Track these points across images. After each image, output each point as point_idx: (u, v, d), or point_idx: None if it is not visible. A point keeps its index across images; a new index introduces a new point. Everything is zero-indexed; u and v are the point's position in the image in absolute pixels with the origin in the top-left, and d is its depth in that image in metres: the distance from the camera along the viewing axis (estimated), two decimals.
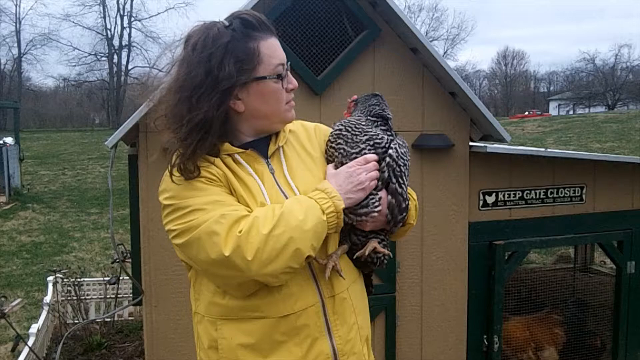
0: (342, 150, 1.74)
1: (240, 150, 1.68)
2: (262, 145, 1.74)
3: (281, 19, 3.40)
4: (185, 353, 3.33)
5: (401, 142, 1.79)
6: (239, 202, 1.61)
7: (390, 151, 1.74)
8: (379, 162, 1.73)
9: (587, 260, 7.49)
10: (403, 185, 1.75)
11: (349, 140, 1.74)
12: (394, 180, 1.73)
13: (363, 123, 1.78)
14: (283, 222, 1.51)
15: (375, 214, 1.69)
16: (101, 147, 24.09)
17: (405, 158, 1.77)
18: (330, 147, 1.78)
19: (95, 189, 16.37)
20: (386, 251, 1.79)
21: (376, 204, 1.70)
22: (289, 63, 1.72)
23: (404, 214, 1.76)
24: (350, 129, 1.76)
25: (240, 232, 1.49)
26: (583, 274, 6.93)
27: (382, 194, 1.73)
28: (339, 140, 1.76)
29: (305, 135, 1.86)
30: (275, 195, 1.65)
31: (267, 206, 1.60)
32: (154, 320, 3.28)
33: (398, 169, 1.73)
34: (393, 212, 1.73)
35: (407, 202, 1.77)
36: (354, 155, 1.72)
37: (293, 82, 1.72)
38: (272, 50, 1.65)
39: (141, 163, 3.26)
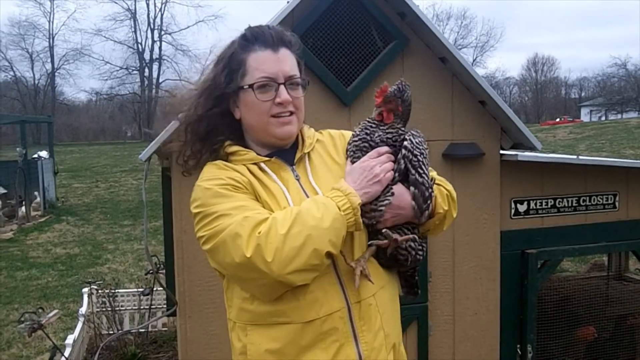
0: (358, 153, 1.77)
1: (266, 158, 1.75)
2: (289, 154, 1.80)
3: (310, 31, 3.45)
4: None
5: (415, 133, 1.80)
6: (263, 207, 1.65)
7: (405, 142, 1.74)
8: (395, 154, 1.74)
9: (621, 268, 7.37)
10: (424, 175, 1.73)
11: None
12: (412, 171, 1.72)
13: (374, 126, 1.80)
14: (300, 221, 1.55)
15: (383, 207, 1.68)
16: (133, 159, 24.45)
17: (421, 147, 1.77)
18: (348, 153, 1.81)
19: (128, 201, 16.63)
20: (409, 236, 1.74)
21: (382, 199, 1.68)
22: (294, 78, 1.75)
23: (429, 202, 1.74)
24: (362, 134, 1.79)
25: (259, 233, 1.53)
26: (617, 282, 6.82)
27: (398, 187, 1.72)
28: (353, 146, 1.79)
29: (332, 143, 1.90)
30: (300, 201, 1.68)
31: (286, 209, 1.63)
32: (188, 331, 3.33)
33: (415, 159, 1.72)
34: (418, 202, 1.72)
35: (430, 191, 1.75)
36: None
37: (282, 96, 1.72)
38: (260, 62, 1.72)
39: (174, 175, 3.32)
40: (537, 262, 3.81)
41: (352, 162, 1.76)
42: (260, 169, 1.74)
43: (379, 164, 1.71)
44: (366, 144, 1.76)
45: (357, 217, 1.62)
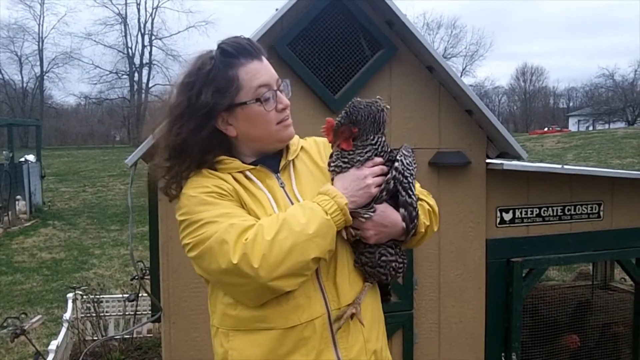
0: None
1: (251, 166, 1.75)
2: (273, 161, 1.80)
3: (299, 38, 3.45)
4: None
5: (406, 152, 1.80)
6: (249, 215, 1.66)
7: (396, 164, 1.74)
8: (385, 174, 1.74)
9: (606, 277, 7.42)
10: (412, 196, 1.76)
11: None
12: (402, 193, 1.73)
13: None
14: (286, 227, 1.56)
15: (363, 220, 1.70)
16: (121, 164, 24.34)
17: (411, 168, 1.78)
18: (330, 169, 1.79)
19: (116, 206, 16.54)
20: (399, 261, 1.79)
21: (364, 213, 1.69)
22: (285, 81, 1.77)
23: (415, 221, 1.77)
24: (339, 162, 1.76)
25: (246, 239, 1.55)
26: (602, 291, 6.87)
27: (383, 206, 1.73)
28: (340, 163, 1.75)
29: (316, 150, 1.93)
30: (285, 208, 1.69)
31: (272, 215, 1.65)
32: (172, 337, 3.31)
33: (405, 181, 1.74)
34: (406, 223, 1.74)
35: (416, 210, 1.77)
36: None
37: (283, 102, 1.74)
38: (253, 74, 1.69)
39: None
40: (522, 270, 3.83)
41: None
42: (246, 177, 1.74)
43: (372, 174, 1.72)
44: (348, 165, 1.74)
45: (346, 217, 1.64)
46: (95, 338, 5.46)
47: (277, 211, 1.68)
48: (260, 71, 1.71)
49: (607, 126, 48.85)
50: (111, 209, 15.98)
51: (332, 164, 1.77)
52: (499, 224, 3.85)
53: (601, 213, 4.09)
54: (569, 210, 4.00)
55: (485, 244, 3.81)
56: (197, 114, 1.68)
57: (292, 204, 1.71)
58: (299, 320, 1.64)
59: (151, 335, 5.90)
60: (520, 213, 3.90)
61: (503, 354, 3.86)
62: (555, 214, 3.97)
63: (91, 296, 5.61)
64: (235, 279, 1.56)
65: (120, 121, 54.81)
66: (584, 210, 4.04)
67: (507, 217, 3.87)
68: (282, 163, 1.80)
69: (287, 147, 1.84)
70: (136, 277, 4.78)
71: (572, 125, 58.83)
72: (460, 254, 3.79)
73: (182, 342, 3.32)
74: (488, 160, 3.84)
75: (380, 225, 1.72)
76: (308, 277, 1.63)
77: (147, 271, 4.87)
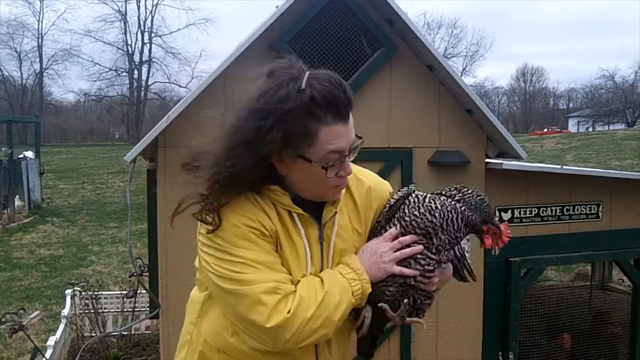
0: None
1: (299, 211, 1.64)
2: (318, 205, 1.69)
3: (299, 36, 3.46)
4: None
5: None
6: (281, 259, 1.63)
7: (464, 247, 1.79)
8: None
9: (605, 277, 7.42)
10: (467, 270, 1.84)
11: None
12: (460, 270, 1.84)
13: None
14: (324, 305, 1.57)
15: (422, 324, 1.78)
16: (121, 161, 24.34)
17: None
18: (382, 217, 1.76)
19: (115, 203, 16.54)
20: (415, 319, 1.78)
21: (389, 284, 1.69)
22: (357, 144, 1.61)
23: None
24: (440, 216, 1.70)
25: (288, 312, 1.53)
26: (601, 291, 6.87)
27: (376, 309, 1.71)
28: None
29: (358, 198, 1.79)
30: (317, 265, 1.68)
31: (309, 281, 1.62)
32: (170, 334, 3.31)
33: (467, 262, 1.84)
34: (403, 312, 1.71)
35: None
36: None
37: (347, 170, 1.61)
38: (332, 137, 1.53)
39: (160, 177, 3.31)
40: (520, 270, 3.83)
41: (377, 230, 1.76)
42: (291, 217, 1.65)
43: (391, 250, 1.69)
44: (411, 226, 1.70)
45: (362, 302, 1.67)
46: (94, 334, 5.46)
47: (310, 268, 1.66)
48: (341, 137, 1.55)
49: (606, 127, 48.84)
50: (110, 206, 15.97)
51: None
52: None
53: (600, 213, 4.09)
54: (567, 210, 4.01)
55: None
56: (259, 150, 1.52)
57: (322, 259, 1.69)
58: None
59: (149, 332, 5.90)
60: (519, 213, 3.90)
61: (500, 353, 3.86)
62: (554, 214, 3.97)
63: (89, 293, 5.61)
64: (257, 334, 1.57)
65: (120, 118, 54.78)
66: (582, 211, 4.04)
67: (506, 216, 3.87)
68: (329, 216, 1.70)
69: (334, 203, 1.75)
70: (135, 274, 4.78)
71: (572, 126, 58.82)
72: None
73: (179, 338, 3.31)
74: (487, 160, 3.84)
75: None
76: None
77: (146, 268, 4.87)
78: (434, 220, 1.68)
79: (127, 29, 50.75)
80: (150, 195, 3.71)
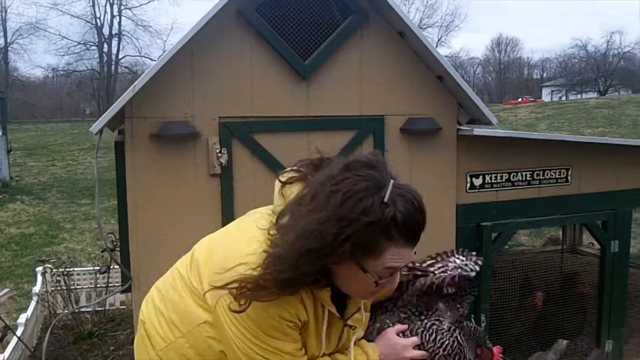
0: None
1: (333, 310, 1.65)
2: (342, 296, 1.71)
3: (267, 3, 3.39)
4: None
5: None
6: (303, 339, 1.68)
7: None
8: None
9: (575, 241, 7.57)
10: None
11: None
12: None
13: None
14: None
15: None
16: (92, 137, 23.97)
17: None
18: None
19: (86, 179, 16.31)
20: None
21: None
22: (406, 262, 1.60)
23: None
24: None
25: None
26: (571, 255, 7.01)
27: None
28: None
29: None
30: (332, 347, 1.74)
31: None
32: None
33: None
34: None
35: None
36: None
37: (394, 284, 1.61)
38: (396, 258, 1.52)
39: (128, 149, 3.25)
40: (491, 234, 3.88)
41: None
42: (322, 308, 1.65)
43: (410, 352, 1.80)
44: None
45: None
46: (67, 311, 5.42)
47: (324, 347, 1.72)
48: (402, 258, 1.54)
49: (579, 96, 49.34)
50: (82, 183, 15.76)
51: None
52: (469, 189, 3.88)
53: (569, 178, 4.14)
54: (537, 175, 4.04)
55: (456, 208, 3.84)
56: (329, 258, 1.49)
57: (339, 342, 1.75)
58: None
59: (124, 307, 5.88)
60: (490, 178, 3.93)
61: (472, 316, 3.91)
62: (524, 179, 4.01)
63: (61, 270, 5.55)
64: None
65: (90, 94, 53.77)
66: (552, 176, 4.08)
67: (477, 182, 3.90)
68: (352, 311, 1.74)
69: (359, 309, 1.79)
70: (107, 249, 4.73)
71: (546, 96, 59.27)
72: (430, 218, 3.75)
73: None
74: (459, 127, 3.85)
75: None
76: None
77: (118, 243, 4.82)
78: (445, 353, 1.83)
79: (96, 1, 49.63)
80: (119, 168, 3.66)
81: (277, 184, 1.66)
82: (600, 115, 23.77)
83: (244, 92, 3.37)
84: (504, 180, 3.95)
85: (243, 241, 1.63)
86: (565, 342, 4.23)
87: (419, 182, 3.72)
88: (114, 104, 3.11)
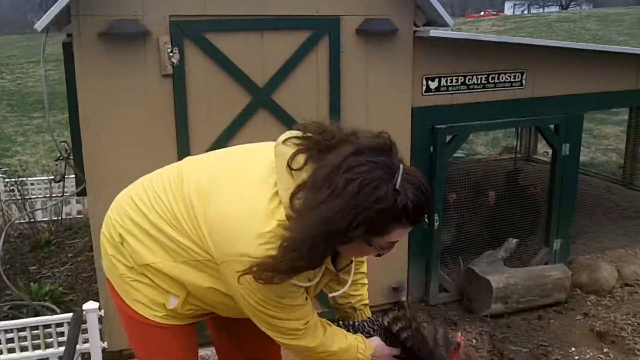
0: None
1: (332, 267, 1.82)
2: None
3: None
4: None
5: None
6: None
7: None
8: None
9: (530, 150, 7.77)
10: None
11: None
12: None
13: None
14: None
15: None
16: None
17: None
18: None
19: (38, 93, 15.81)
20: None
21: None
22: None
23: None
24: None
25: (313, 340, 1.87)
26: (525, 162, 7.22)
27: None
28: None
29: None
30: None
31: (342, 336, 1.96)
32: (98, 208, 3.26)
33: None
34: None
35: None
36: None
37: (390, 250, 1.75)
38: (400, 236, 1.66)
39: (76, 48, 3.13)
40: (445, 136, 3.92)
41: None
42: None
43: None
44: None
45: None
46: (23, 221, 5.38)
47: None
48: (403, 234, 1.69)
49: (541, 10, 49.19)
50: (33, 96, 15.28)
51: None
52: (425, 92, 3.89)
53: (523, 82, 4.17)
54: (492, 78, 4.06)
55: (411, 111, 3.86)
56: (341, 240, 1.59)
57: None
58: None
59: (81, 216, 5.86)
60: (446, 81, 3.93)
61: (426, 215, 4.02)
62: (479, 82, 4.02)
63: (14, 179, 5.46)
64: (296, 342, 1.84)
65: (37, 4, 51.34)
66: (507, 79, 4.11)
67: (433, 85, 3.90)
68: (344, 264, 1.91)
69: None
70: (60, 158, 4.65)
71: (508, 9, 58.98)
72: (386, 121, 3.79)
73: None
74: (415, 29, 3.81)
75: None
76: None
77: (71, 153, 4.74)
78: None
79: None
80: (67, 70, 3.55)
81: (280, 150, 1.71)
82: (561, 29, 23.89)
83: None
84: (459, 83, 3.97)
85: (256, 212, 1.66)
86: (515, 240, 4.39)
87: (374, 84, 3.72)
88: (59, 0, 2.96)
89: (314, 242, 1.55)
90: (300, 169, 1.64)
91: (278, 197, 1.65)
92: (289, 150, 1.68)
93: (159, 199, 1.81)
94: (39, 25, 3.04)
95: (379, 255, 1.73)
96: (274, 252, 1.58)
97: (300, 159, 1.65)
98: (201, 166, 1.88)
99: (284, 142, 1.72)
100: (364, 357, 1.97)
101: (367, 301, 2.25)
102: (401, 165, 1.60)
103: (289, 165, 1.65)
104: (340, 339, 1.94)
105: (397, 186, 1.55)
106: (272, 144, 1.78)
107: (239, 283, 1.66)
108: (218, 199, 1.71)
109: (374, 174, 1.54)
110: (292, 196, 1.61)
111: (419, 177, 1.63)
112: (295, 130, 1.74)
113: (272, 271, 1.58)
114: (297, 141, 1.69)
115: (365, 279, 2.22)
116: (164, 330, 1.92)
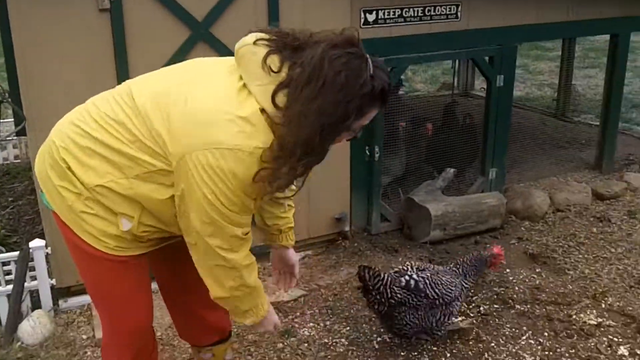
0: None
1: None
2: None
3: None
4: None
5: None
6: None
7: None
8: None
9: (467, 86, 7.96)
10: None
11: None
12: None
13: None
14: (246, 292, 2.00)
15: None
16: None
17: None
18: None
19: None
20: None
21: None
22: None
23: None
24: None
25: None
26: (463, 98, 7.39)
27: None
28: None
29: None
30: None
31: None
32: (39, 144, 3.23)
33: None
34: None
35: None
36: None
37: (359, 132, 1.88)
38: (372, 117, 1.83)
39: None
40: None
41: None
42: None
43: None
44: None
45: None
46: None
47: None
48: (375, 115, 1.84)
49: None
50: None
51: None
52: (363, 24, 3.92)
53: (459, 14, 4.24)
54: (429, 11, 4.12)
55: None
56: (340, 131, 1.76)
57: None
58: None
59: (19, 160, 5.75)
60: (383, 14, 3.97)
61: (367, 147, 4.12)
62: (416, 14, 4.08)
63: None
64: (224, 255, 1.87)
65: None
66: (443, 12, 4.17)
67: (371, 18, 3.94)
68: None
69: None
70: None
71: None
72: None
73: None
74: None
75: None
76: None
77: (7, 95, 4.62)
78: None
79: None
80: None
81: (249, 49, 1.78)
82: None
83: None
84: (396, 16, 4.01)
85: (227, 98, 1.74)
86: (453, 170, 4.54)
87: (312, 18, 3.73)
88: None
89: (323, 135, 1.69)
90: (279, 71, 1.72)
91: (246, 89, 1.74)
92: (261, 50, 1.75)
93: (109, 118, 1.82)
94: None
95: (351, 139, 1.88)
96: (245, 141, 1.68)
97: (275, 59, 1.74)
98: (152, 80, 1.92)
99: (254, 43, 1.78)
100: (264, 311, 2.09)
101: (292, 224, 2.34)
102: (367, 54, 1.74)
103: (266, 64, 1.73)
104: (256, 275, 2.02)
105: (372, 72, 1.70)
106: (221, 58, 1.90)
107: (200, 172, 1.70)
108: (192, 97, 1.76)
109: (353, 64, 1.69)
110: (275, 94, 1.70)
111: (381, 61, 1.82)
112: (259, 33, 1.81)
113: (288, 173, 1.72)
114: (267, 42, 1.77)
115: (292, 203, 2.29)
116: (114, 263, 1.95)
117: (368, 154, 4.13)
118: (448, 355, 3.13)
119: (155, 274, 2.36)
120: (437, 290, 2.94)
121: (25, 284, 3.35)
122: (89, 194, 1.85)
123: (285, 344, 3.23)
